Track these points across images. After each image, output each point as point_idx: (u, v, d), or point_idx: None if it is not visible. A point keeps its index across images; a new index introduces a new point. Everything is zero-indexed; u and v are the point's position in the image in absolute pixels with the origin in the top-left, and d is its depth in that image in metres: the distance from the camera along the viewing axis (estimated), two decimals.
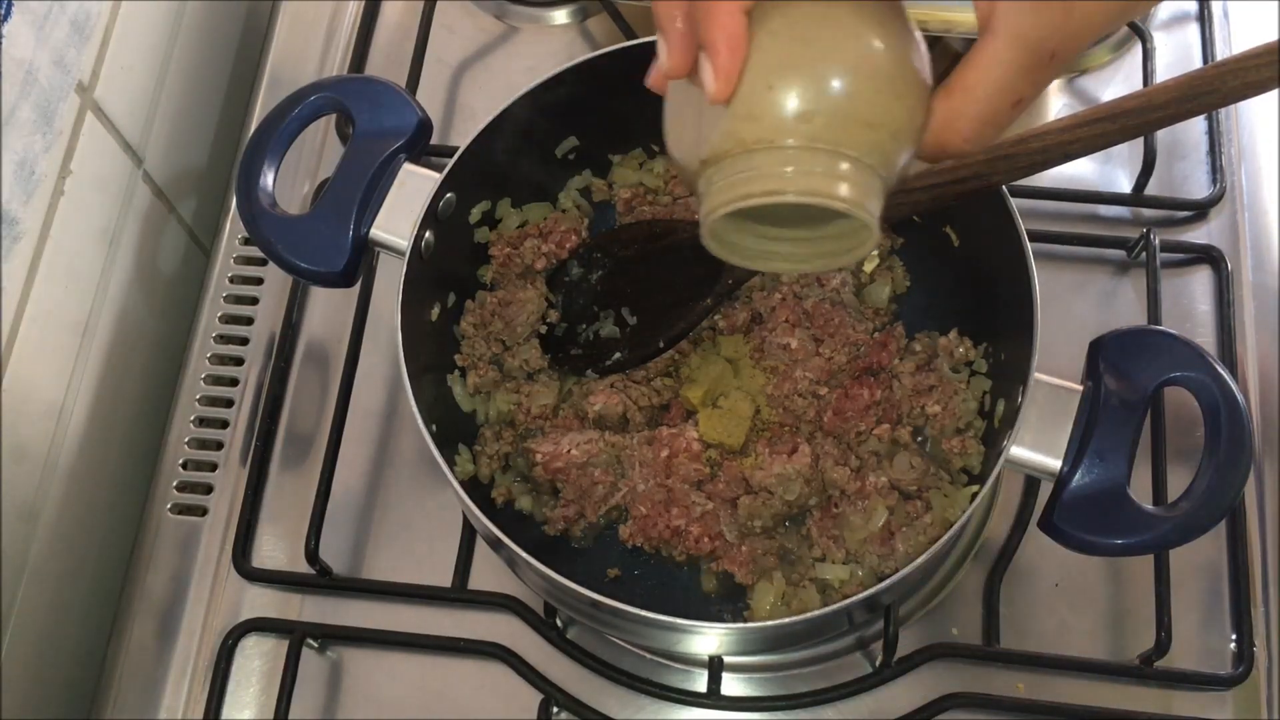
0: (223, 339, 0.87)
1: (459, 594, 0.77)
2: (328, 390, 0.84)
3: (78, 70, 0.76)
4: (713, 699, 0.73)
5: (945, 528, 0.69)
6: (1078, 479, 0.61)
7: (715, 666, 0.73)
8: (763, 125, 0.47)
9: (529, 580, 0.72)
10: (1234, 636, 0.76)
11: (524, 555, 0.62)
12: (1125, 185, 0.89)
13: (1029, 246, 0.66)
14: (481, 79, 0.96)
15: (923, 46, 0.49)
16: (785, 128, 0.47)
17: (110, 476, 0.85)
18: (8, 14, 0.68)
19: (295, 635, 0.75)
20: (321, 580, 0.77)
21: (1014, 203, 0.67)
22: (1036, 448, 0.63)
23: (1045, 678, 0.75)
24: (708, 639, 0.69)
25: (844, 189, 0.48)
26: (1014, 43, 0.46)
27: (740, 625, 0.66)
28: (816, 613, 0.62)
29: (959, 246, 0.76)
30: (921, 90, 0.49)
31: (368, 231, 0.70)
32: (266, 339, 0.86)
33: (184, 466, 0.83)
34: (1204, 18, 0.95)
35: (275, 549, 0.80)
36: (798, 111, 0.47)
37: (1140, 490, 0.63)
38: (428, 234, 0.70)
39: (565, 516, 0.73)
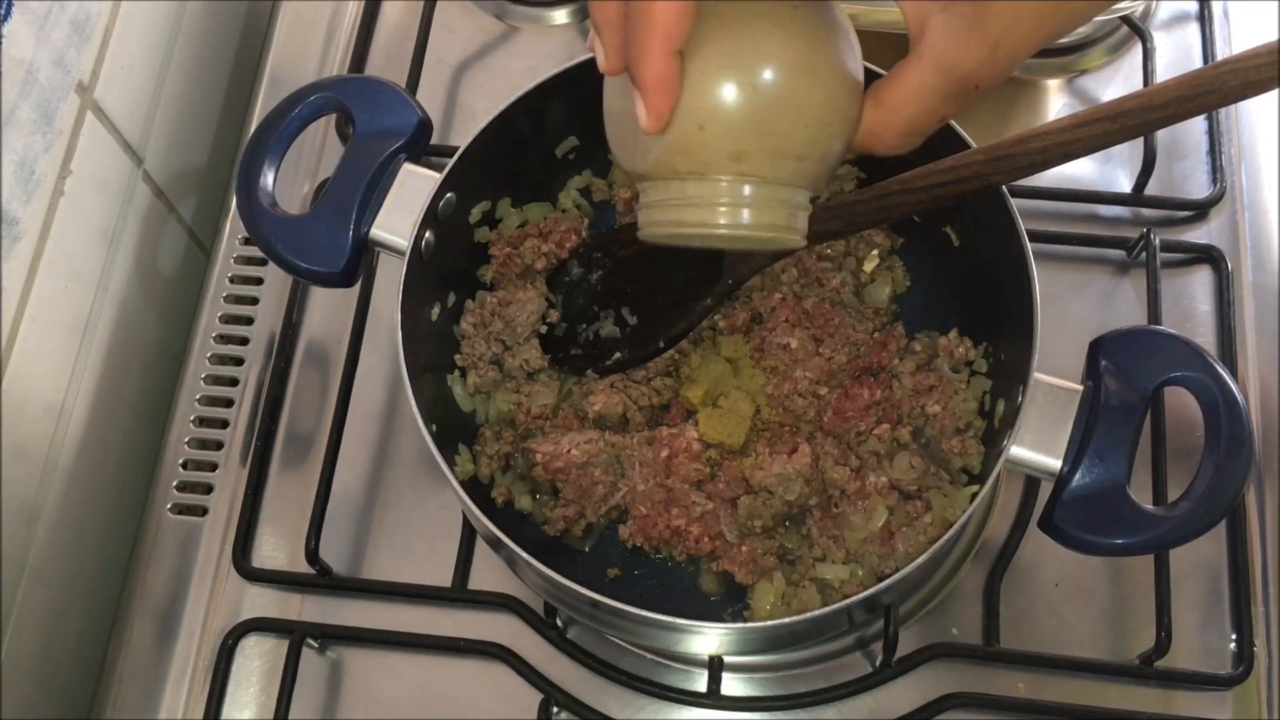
0: (223, 339, 0.87)
1: (459, 594, 0.77)
2: (328, 390, 0.84)
3: (78, 70, 0.76)
4: (713, 699, 0.73)
5: (945, 528, 0.69)
6: (1078, 479, 0.61)
7: (715, 666, 0.73)
8: (695, 161, 0.49)
9: (529, 580, 0.72)
10: (1234, 636, 0.76)
11: (524, 555, 0.62)
12: (1125, 185, 0.89)
13: (1029, 246, 0.66)
14: (481, 79, 0.96)
15: (858, 58, 0.51)
16: (717, 165, 0.49)
17: (110, 476, 0.85)
18: (8, 14, 0.68)
19: (295, 635, 0.75)
20: (321, 580, 0.77)
21: (1014, 203, 0.67)
22: (1036, 448, 0.63)
23: (1045, 678, 0.75)
24: (708, 639, 0.69)
25: (772, 220, 0.50)
26: (940, 72, 0.48)
27: (740, 625, 0.66)
28: (816, 613, 0.62)
29: (959, 246, 0.76)
30: (852, 112, 0.51)
31: (368, 231, 0.70)
32: (266, 339, 0.86)
33: (184, 466, 0.83)
34: (1204, 18, 0.95)
35: (275, 549, 0.80)
36: (729, 152, 0.48)
37: (1140, 490, 0.63)
38: (428, 234, 0.70)
39: (565, 516, 0.73)
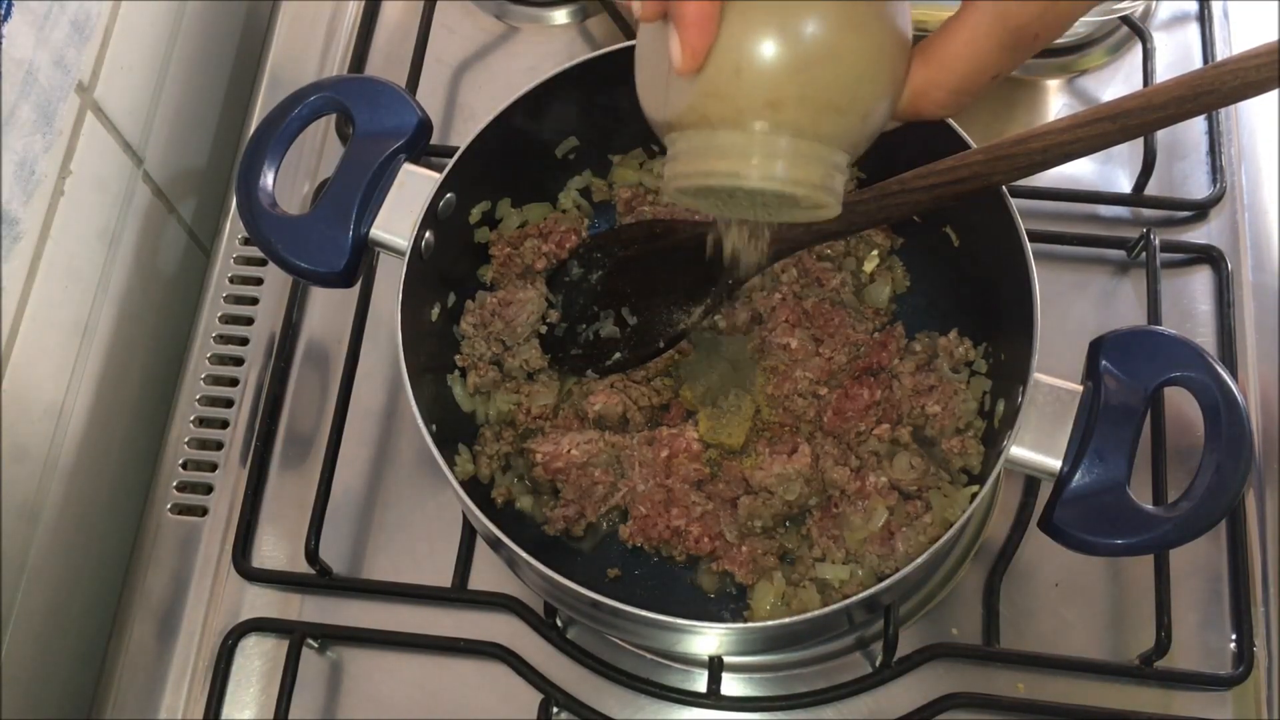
0: (223, 339, 0.87)
1: (459, 594, 0.77)
2: (328, 390, 0.84)
3: (78, 70, 0.76)
4: (713, 699, 0.73)
5: (945, 528, 0.69)
6: (1078, 479, 0.61)
7: (715, 666, 0.73)
8: (728, 106, 0.47)
9: (529, 580, 0.72)
10: (1234, 636, 0.76)
11: (524, 555, 0.62)
12: (1125, 185, 0.89)
13: (1029, 246, 0.66)
14: (481, 79, 0.96)
15: (907, 17, 0.48)
16: (752, 112, 0.46)
17: (110, 476, 0.85)
18: (8, 14, 0.68)
19: (295, 635, 0.75)
20: (321, 580, 0.77)
21: (1014, 203, 0.67)
22: (1036, 448, 0.63)
23: (1045, 678, 0.75)
24: (708, 639, 0.69)
25: (806, 176, 0.47)
26: (998, 23, 0.46)
27: (740, 625, 0.66)
28: (816, 613, 0.62)
29: (959, 246, 0.76)
30: (898, 69, 0.48)
31: (368, 231, 0.70)
32: (266, 339, 0.86)
33: (184, 466, 0.83)
34: (1204, 18, 0.95)
35: (275, 549, 0.80)
36: (766, 99, 0.46)
37: (1140, 490, 0.63)
38: (428, 234, 0.70)
39: (565, 516, 0.73)
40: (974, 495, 0.68)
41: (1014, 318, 0.67)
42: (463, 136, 0.78)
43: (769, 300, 0.77)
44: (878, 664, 0.74)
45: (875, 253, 0.79)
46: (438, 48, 0.95)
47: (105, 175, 0.82)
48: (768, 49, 0.46)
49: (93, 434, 0.82)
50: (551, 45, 0.97)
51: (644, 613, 0.61)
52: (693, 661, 0.76)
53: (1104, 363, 0.63)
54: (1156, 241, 0.84)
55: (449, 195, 0.72)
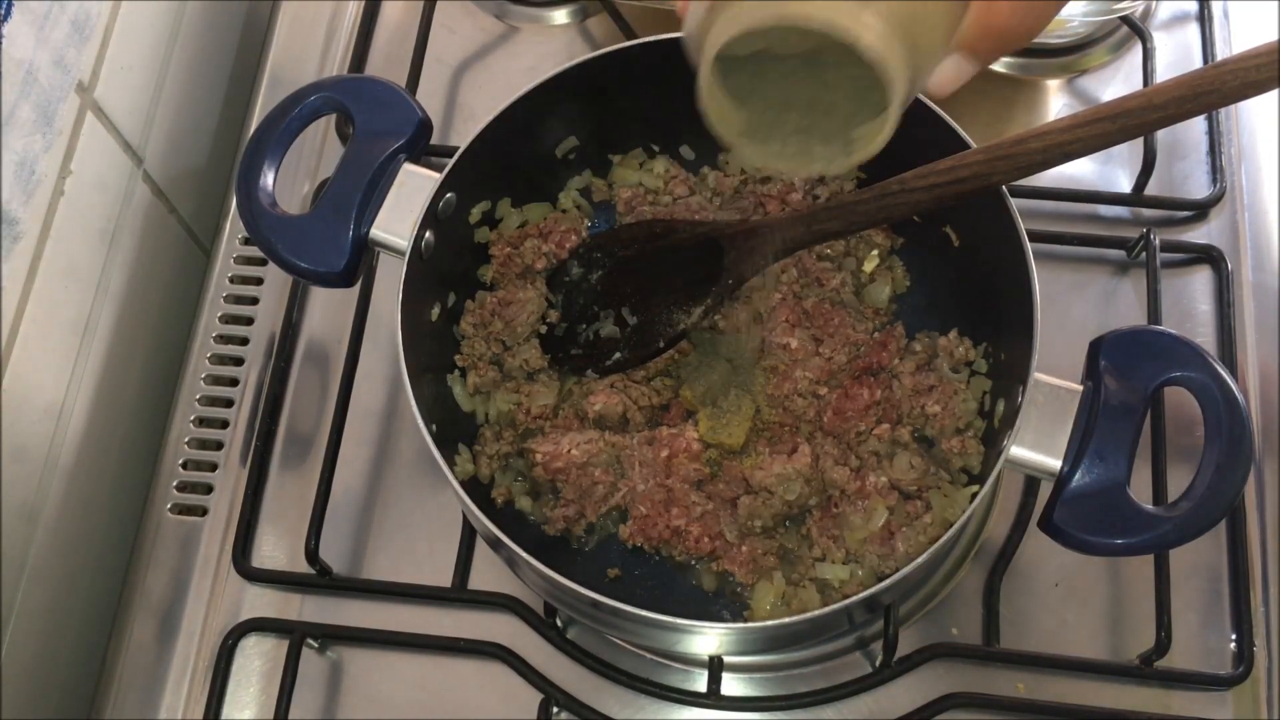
0: (223, 339, 0.87)
1: (459, 594, 0.77)
2: (328, 390, 0.84)
3: (78, 70, 0.76)
4: (713, 699, 0.73)
5: (945, 528, 0.69)
6: (1078, 479, 0.61)
7: (715, 666, 0.73)
8: None
9: (529, 580, 0.72)
10: (1234, 636, 0.76)
11: (524, 555, 0.62)
12: (1125, 185, 0.89)
13: (1029, 246, 0.66)
14: (481, 79, 0.96)
15: None
16: None
17: (110, 476, 0.85)
18: (8, 14, 0.68)
19: (295, 635, 0.75)
20: (321, 580, 0.77)
21: (1014, 203, 0.67)
22: (1036, 448, 0.63)
23: (1045, 678, 0.75)
24: (708, 639, 0.69)
25: (869, 33, 0.43)
26: None
27: (740, 625, 0.66)
28: (816, 612, 0.62)
29: (959, 246, 0.76)
30: None
31: (368, 231, 0.70)
32: (266, 339, 0.86)
33: (184, 466, 0.83)
34: (1204, 18, 0.95)
35: (275, 549, 0.80)
36: None
37: (1140, 490, 0.63)
38: (428, 234, 0.70)
39: (565, 516, 0.73)
40: (974, 495, 0.68)
41: (1014, 318, 0.67)
42: (463, 136, 0.78)
43: (769, 300, 0.77)
44: (878, 664, 0.74)
45: (875, 253, 0.79)
46: (438, 48, 0.95)
47: (105, 175, 0.82)
48: None
49: (93, 434, 0.82)
50: (551, 45, 0.97)
51: (644, 613, 0.61)
52: (693, 661, 0.76)
53: (1104, 362, 0.63)
54: (1156, 241, 0.84)
55: (449, 195, 0.72)
